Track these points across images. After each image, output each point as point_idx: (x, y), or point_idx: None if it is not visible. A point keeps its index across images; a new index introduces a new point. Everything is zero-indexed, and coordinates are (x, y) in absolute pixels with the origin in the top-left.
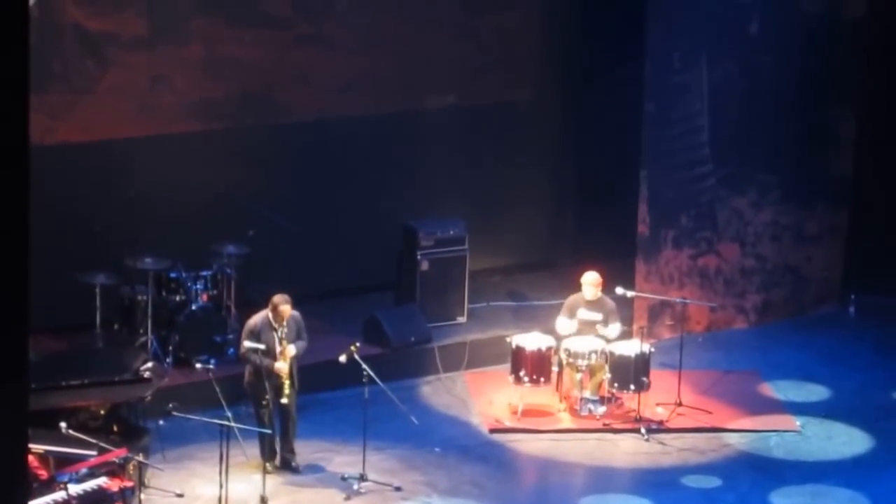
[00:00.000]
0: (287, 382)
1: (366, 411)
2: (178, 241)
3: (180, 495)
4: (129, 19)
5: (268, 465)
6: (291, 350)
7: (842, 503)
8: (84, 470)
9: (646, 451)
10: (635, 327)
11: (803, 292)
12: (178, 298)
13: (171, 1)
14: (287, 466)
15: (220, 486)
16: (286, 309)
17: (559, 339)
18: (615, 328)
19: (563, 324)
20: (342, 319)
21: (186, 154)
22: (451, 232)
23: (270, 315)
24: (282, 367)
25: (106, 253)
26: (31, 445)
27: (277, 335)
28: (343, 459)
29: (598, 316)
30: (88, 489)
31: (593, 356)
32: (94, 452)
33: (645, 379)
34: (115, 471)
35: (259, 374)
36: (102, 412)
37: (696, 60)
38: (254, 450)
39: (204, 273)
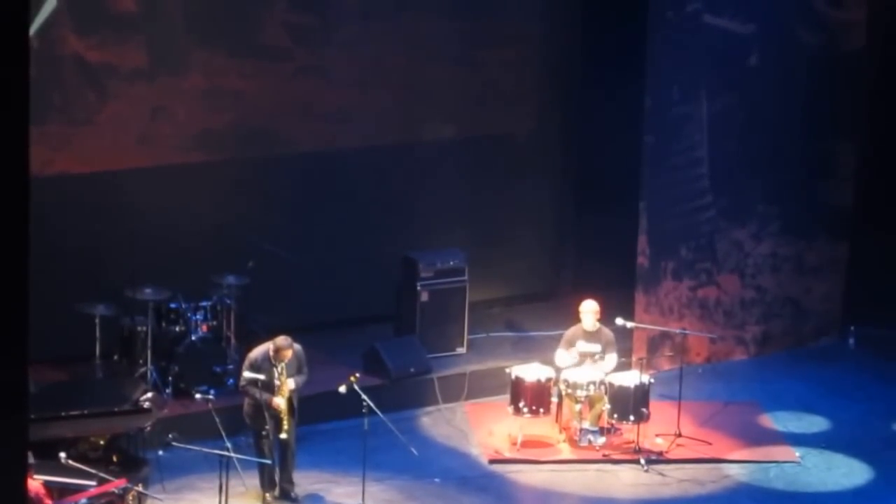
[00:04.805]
0: (286, 418)
1: (365, 442)
2: (177, 271)
3: None
4: (130, 51)
5: (267, 495)
6: (290, 384)
7: None
8: (83, 500)
9: (645, 482)
10: (635, 358)
11: (803, 324)
12: (177, 329)
13: (171, 33)
14: (286, 497)
15: None
16: (287, 354)
17: (558, 369)
18: (612, 359)
19: (562, 357)
20: (342, 350)
21: (186, 185)
22: (451, 263)
23: (271, 352)
24: (280, 402)
25: (106, 284)
26: (34, 476)
27: (277, 370)
28: (342, 490)
29: (598, 347)
30: None
31: (592, 387)
32: (93, 483)
33: (644, 410)
34: (114, 501)
35: (259, 405)
36: (102, 442)
37: (695, 92)
38: (253, 480)
39: (204, 304)
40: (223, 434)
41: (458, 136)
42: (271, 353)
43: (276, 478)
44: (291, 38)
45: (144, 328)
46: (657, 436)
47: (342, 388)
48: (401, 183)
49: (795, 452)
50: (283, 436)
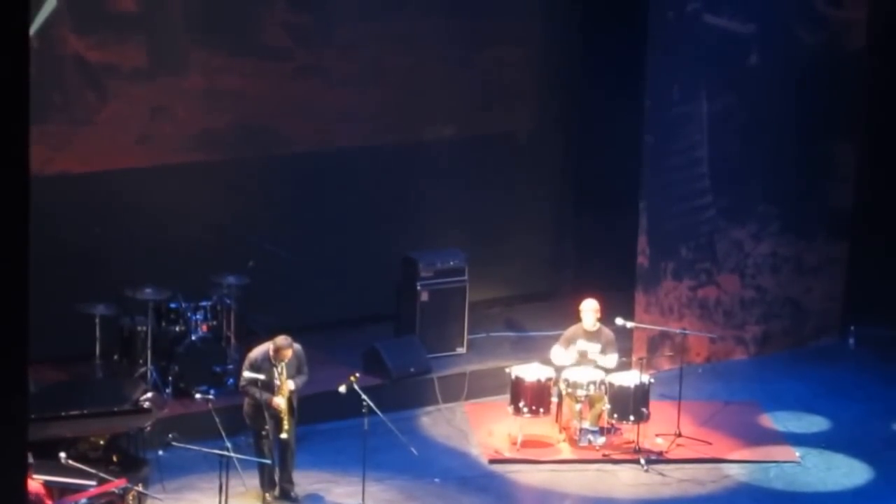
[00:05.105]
0: (286, 418)
1: (365, 442)
2: (177, 271)
3: None
4: (130, 51)
5: (267, 495)
6: (290, 385)
7: None
8: (84, 500)
9: (645, 482)
10: (635, 358)
11: (803, 324)
12: (177, 329)
13: (171, 32)
14: (286, 497)
15: None
16: (287, 353)
17: (558, 369)
18: (612, 358)
19: (558, 353)
20: (342, 350)
21: (186, 185)
22: (451, 263)
23: (271, 352)
24: (280, 402)
25: (106, 283)
26: (33, 476)
27: (277, 370)
28: (342, 490)
29: (597, 347)
30: None
31: (592, 387)
32: (93, 483)
33: (644, 410)
34: (114, 501)
35: (258, 405)
36: (102, 442)
37: (695, 92)
38: (253, 480)
39: (204, 303)
40: (223, 434)
41: (458, 136)
42: (271, 353)
43: (276, 478)
44: (291, 38)
45: (144, 328)
46: (657, 436)
47: (342, 388)
48: (401, 183)
49: (795, 452)
50: (284, 436)
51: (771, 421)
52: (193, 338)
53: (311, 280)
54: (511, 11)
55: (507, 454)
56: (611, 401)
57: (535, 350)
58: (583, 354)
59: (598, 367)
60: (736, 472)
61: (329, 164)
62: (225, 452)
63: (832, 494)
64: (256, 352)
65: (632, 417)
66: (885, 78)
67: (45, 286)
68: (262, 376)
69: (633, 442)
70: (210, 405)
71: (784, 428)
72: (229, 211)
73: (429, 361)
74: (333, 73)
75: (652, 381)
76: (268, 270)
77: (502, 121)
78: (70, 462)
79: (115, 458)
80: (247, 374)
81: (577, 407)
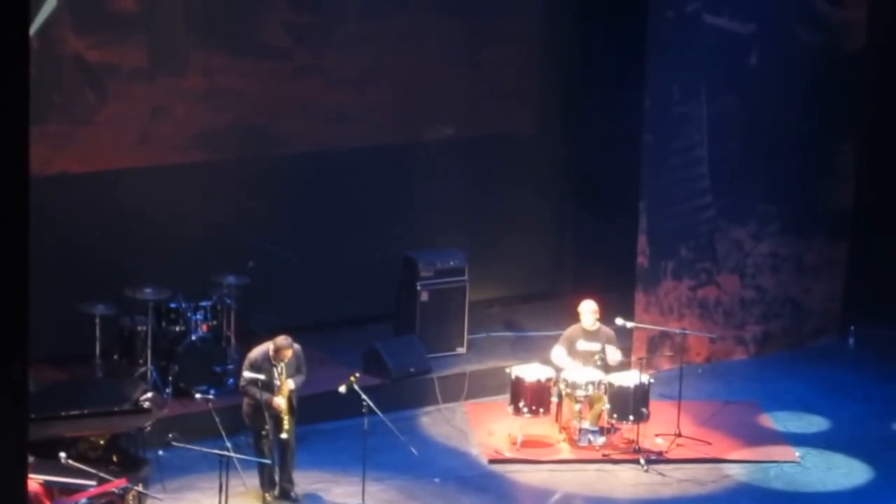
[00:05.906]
0: (286, 417)
1: (365, 442)
2: (177, 271)
3: None
4: (130, 50)
5: (267, 495)
6: (290, 384)
7: None
8: (83, 500)
9: (645, 481)
10: (634, 358)
11: (803, 323)
12: (177, 329)
13: (171, 32)
14: (286, 497)
15: None
16: (287, 353)
17: (557, 369)
18: (616, 353)
19: (558, 354)
20: (342, 350)
21: (186, 184)
22: (451, 263)
23: (271, 352)
24: (280, 402)
25: (106, 283)
26: (31, 476)
27: (277, 370)
28: (342, 490)
29: (598, 346)
30: None
31: (591, 387)
32: (93, 483)
33: (644, 410)
34: (114, 501)
35: (258, 405)
36: (102, 442)
37: (695, 92)
38: (253, 480)
39: (204, 303)
40: (223, 434)
41: (459, 135)
42: (271, 353)
43: (276, 477)
44: (291, 38)
45: (144, 328)
46: (657, 436)
47: (342, 388)
48: (401, 182)
49: (795, 452)
50: (284, 435)
51: (771, 421)
52: (193, 338)
53: (311, 280)
54: (511, 11)
55: (507, 454)
56: (610, 401)
57: (535, 350)
58: (589, 354)
59: (604, 363)
60: (736, 472)
61: (329, 164)
62: (225, 452)
63: (832, 494)
64: (256, 352)
65: (631, 417)
66: (885, 78)
67: (45, 286)
68: (262, 376)
69: (633, 442)
70: (210, 405)
71: (784, 428)
72: (229, 211)
73: (429, 361)
74: (333, 73)
75: (652, 381)
76: (268, 270)
77: (502, 121)
78: (70, 462)
79: (115, 458)
80: (247, 374)
81: (577, 407)
